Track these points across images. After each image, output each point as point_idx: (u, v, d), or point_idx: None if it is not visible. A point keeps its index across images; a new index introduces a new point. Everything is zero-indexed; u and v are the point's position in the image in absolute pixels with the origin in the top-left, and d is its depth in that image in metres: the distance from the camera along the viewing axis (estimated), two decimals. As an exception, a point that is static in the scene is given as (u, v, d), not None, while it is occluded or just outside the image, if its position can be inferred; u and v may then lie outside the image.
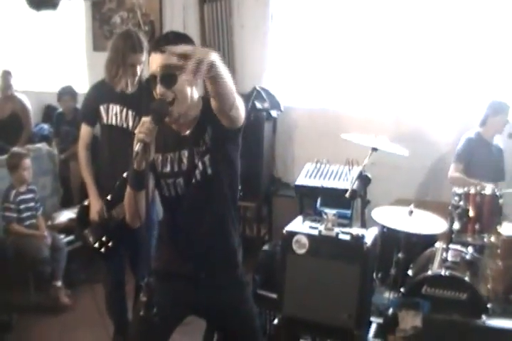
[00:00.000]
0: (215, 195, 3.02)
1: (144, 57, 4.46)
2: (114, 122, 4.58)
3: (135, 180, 2.77)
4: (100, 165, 4.81)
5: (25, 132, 8.34)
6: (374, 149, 4.99)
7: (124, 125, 4.53)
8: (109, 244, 4.38)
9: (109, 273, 4.89)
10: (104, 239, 4.37)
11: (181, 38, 2.86)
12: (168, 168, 2.98)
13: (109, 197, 4.41)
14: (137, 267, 4.78)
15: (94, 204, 4.62)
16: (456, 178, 5.78)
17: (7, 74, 8.49)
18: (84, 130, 4.75)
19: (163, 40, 2.81)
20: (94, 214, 4.57)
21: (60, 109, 8.27)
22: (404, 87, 6.79)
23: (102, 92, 4.62)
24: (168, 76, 2.75)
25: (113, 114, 4.57)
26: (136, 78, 4.51)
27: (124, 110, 4.52)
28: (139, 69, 4.47)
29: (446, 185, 5.87)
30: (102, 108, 4.60)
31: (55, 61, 9.47)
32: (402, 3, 6.57)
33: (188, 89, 2.83)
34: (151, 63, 2.80)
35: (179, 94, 2.78)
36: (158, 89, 2.76)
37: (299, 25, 7.26)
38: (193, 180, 2.96)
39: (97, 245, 4.38)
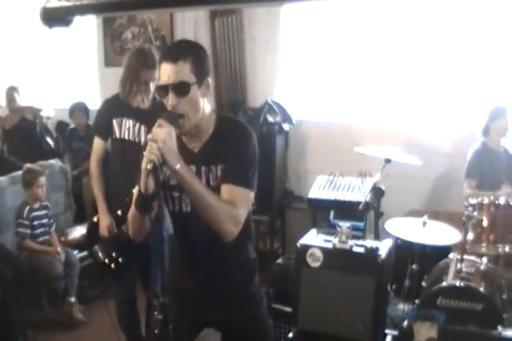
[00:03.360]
0: None
1: (156, 73, 4.45)
2: (126, 136, 4.59)
3: (141, 203, 2.69)
4: (111, 179, 4.81)
5: None
6: (387, 161, 4.99)
7: (137, 140, 4.54)
8: (119, 260, 4.36)
9: (120, 289, 4.88)
10: (114, 255, 4.36)
11: (192, 47, 2.83)
12: (175, 181, 2.85)
13: (119, 212, 4.43)
14: (148, 284, 4.76)
15: (104, 219, 4.61)
16: (469, 195, 5.77)
17: (12, 89, 8.54)
18: (97, 143, 4.76)
19: (173, 50, 2.79)
20: (103, 229, 4.57)
21: (72, 125, 8.30)
22: (416, 99, 6.78)
23: (116, 106, 4.65)
24: (181, 85, 2.71)
25: (126, 128, 4.58)
26: (151, 94, 4.53)
27: (137, 125, 4.53)
28: (152, 85, 4.47)
29: (459, 196, 5.84)
30: (115, 122, 4.61)
31: (67, 77, 9.50)
32: (411, 15, 6.56)
33: (200, 100, 2.79)
34: (162, 73, 2.75)
35: (191, 105, 2.74)
36: (170, 100, 2.71)
37: (310, 39, 7.26)
38: None
39: (107, 261, 4.37)
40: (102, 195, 4.70)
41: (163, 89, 2.74)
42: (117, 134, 4.63)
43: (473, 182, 5.81)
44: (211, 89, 2.89)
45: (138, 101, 4.56)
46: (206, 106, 2.87)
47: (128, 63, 4.55)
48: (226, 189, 2.79)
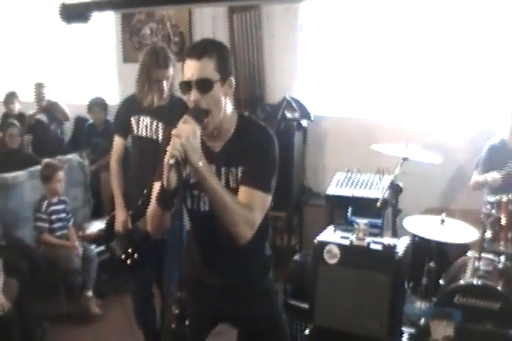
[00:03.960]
0: None
1: (170, 72, 4.53)
2: (144, 134, 4.62)
3: (162, 198, 2.69)
4: (129, 176, 4.86)
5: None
6: (405, 158, 4.97)
7: (154, 137, 4.56)
8: (135, 256, 4.43)
9: (136, 285, 4.91)
10: (130, 250, 4.43)
11: (217, 46, 2.84)
12: (195, 179, 2.85)
13: (135, 208, 4.49)
14: (162, 281, 4.77)
15: (120, 215, 4.66)
16: (474, 183, 5.78)
17: (39, 86, 8.66)
18: (117, 142, 4.82)
19: (198, 47, 2.79)
20: (118, 225, 4.62)
21: (91, 121, 8.34)
22: (434, 96, 6.75)
23: (134, 104, 4.67)
24: (204, 81, 2.72)
25: (143, 125, 4.61)
26: (165, 93, 4.55)
27: (155, 122, 4.55)
28: (165, 84, 4.51)
29: (477, 193, 5.82)
30: (133, 119, 4.65)
31: (86, 73, 9.55)
32: (431, 12, 6.53)
33: (223, 99, 2.80)
34: (186, 69, 2.76)
35: (214, 103, 2.76)
36: (193, 95, 2.72)
37: (329, 35, 7.26)
38: None
39: (123, 257, 4.44)
40: (119, 191, 4.74)
41: (186, 86, 2.76)
42: (135, 132, 4.67)
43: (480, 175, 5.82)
44: (230, 85, 2.89)
45: (149, 99, 4.57)
46: (228, 106, 2.88)
47: (141, 63, 4.59)
48: (244, 191, 2.81)
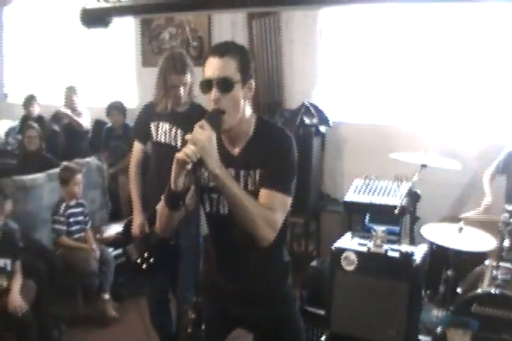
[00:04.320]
0: None
1: (187, 78, 4.54)
2: (163, 140, 4.65)
3: (169, 199, 2.73)
4: (148, 181, 4.89)
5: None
6: (423, 165, 4.96)
7: (173, 143, 4.57)
8: (151, 260, 4.46)
9: (152, 289, 4.92)
10: (146, 255, 4.46)
11: (239, 47, 2.83)
12: (214, 183, 2.80)
13: (152, 213, 4.45)
14: (177, 287, 4.83)
15: (137, 218, 4.71)
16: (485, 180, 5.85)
17: (70, 90, 8.78)
18: (136, 147, 4.86)
19: (222, 46, 2.79)
20: (135, 228, 4.67)
21: (109, 124, 8.37)
22: (453, 104, 6.73)
23: (154, 110, 4.69)
24: (225, 80, 2.71)
25: (162, 131, 4.64)
26: (181, 99, 4.57)
27: (174, 129, 4.57)
28: (182, 90, 4.53)
29: (496, 202, 5.79)
30: (152, 125, 4.68)
31: (105, 77, 9.60)
32: (451, 20, 6.50)
33: (242, 100, 2.79)
34: (207, 67, 2.75)
35: (233, 103, 2.74)
36: (213, 94, 2.71)
37: (348, 41, 7.25)
38: None
39: (139, 261, 4.47)
40: (137, 195, 4.80)
41: (206, 84, 2.74)
42: (154, 138, 4.71)
43: (494, 172, 5.82)
44: (249, 90, 2.89)
45: (163, 105, 4.60)
46: (247, 108, 2.87)
47: (159, 67, 4.61)
48: (264, 194, 2.79)
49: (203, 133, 2.55)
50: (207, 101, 2.79)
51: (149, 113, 4.75)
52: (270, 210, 2.75)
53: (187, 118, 4.42)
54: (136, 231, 4.65)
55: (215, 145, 2.58)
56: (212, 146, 2.56)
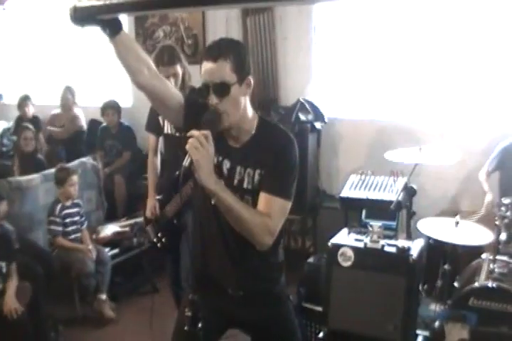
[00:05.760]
0: (253, 207, 2.85)
1: (176, 69, 4.74)
2: (169, 131, 4.85)
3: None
4: (161, 170, 5.15)
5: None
6: (417, 164, 4.97)
7: (177, 134, 4.69)
8: (163, 240, 4.75)
9: (170, 268, 5.12)
10: (159, 235, 4.76)
11: (233, 45, 2.82)
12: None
13: (159, 197, 4.85)
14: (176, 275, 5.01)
15: (150, 201, 4.94)
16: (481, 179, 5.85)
17: (67, 90, 8.85)
18: (151, 138, 5.13)
19: (214, 48, 2.76)
20: (148, 210, 4.90)
21: (104, 123, 8.36)
22: (449, 98, 6.72)
23: None
24: (221, 85, 2.71)
25: (167, 123, 4.83)
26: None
27: None
28: (173, 81, 4.66)
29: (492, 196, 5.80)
30: (160, 118, 4.86)
31: (100, 76, 9.59)
32: (450, 13, 6.49)
33: (241, 99, 2.80)
34: (203, 71, 2.75)
35: (232, 104, 2.74)
36: (211, 100, 2.72)
37: (342, 37, 7.24)
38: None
39: (155, 240, 4.79)
40: (152, 181, 5.08)
41: (205, 88, 2.75)
42: (164, 129, 4.90)
43: (488, 172, 5.83)
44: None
45: None
46: (248, 106, 2.88)
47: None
48: (264, 198, 2.79)
49: (200, 151, 2.53)
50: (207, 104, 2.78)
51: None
52: (268, 217, 2.74)
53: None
54: (148, 213, 4.90)
55: (211, 161, 2.59)
56: (208, 164, 2.56)
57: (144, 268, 6.48)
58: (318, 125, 7.04)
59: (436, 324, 4.40)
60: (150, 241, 4.89)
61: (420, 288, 4.87)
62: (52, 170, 6.21)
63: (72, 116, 8.85)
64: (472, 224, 4.81)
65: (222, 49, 2.74)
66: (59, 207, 5.89)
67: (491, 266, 4.50)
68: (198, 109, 2.76)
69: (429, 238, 4.88)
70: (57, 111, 9.10)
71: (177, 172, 4.11)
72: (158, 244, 4.77)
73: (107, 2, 2.50)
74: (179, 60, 4.75)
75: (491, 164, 5.84)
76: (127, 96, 8.84)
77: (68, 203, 5.98)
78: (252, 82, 2.85)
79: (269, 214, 2.75)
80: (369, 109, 7.22)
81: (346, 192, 5.22)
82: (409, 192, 4.95)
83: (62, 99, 8.94)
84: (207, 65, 2.73)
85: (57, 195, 6.03)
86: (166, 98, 2.86)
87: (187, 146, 2.53)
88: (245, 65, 2.80)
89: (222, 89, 2.71)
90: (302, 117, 6.91)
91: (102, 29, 2.65)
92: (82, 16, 2.63)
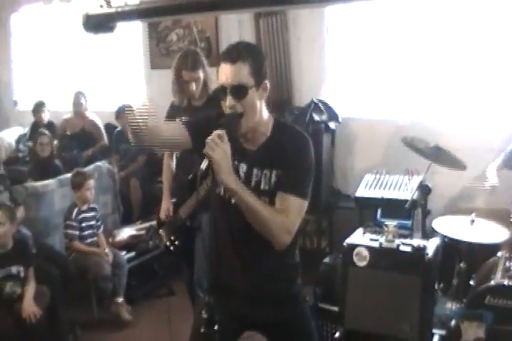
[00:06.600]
0: None
1: (198, 74, 4.80)
2: None
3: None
4: (175, 172, 5.18)
5: (99, 144, 8.93)
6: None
7: None
8: (176, 243, 4.77)
9: (185, 271, 5.19)
10: (172, 238, 4.78)
11: (251, 49, 2.86)
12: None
13: (174, 200, 4.89)
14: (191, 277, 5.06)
15: (164, 204, 5.00)
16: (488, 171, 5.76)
17: (78, 95, 8.89)
18: None
19: (233, 51, 2.79)
20: (162, 212, 4.96)
21: (119, 127, 8.38)
22: (463, 95, 6.71)
23: (176, 107, 4.99)
24: (239, 88, 2.74)
25: None
26: (195, 94, 4.85)
27: None
28: (194, 85, 4.77)
29: (507, 193, 5.78)
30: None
31: (114, 80, 9.61)
32: (461, 14, 6.48)
33: (258, 103, 2.82)
34: (220, 73, 2.78)
35: (249, 107, 2.77)
36: (228, 101, 2.74)
37: (355, 37, 7.24)
38: None
39: (168, 243, 4.80)
40: (167, 183, 5.14)
41: (222, 90, 2.78)
42: None
43: (499, 167, 5.75)
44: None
45: (179, 99, 4.94)
46: (264, 110, 2.90)
47: (174, 64, 4.89)
48: (281, 197, 2.82)
49: (217, 151, 2.57)
50: (223, 105, 2.82)
51: (174, 109, 5.01)
52: (286, 215, 2.77)
53: (203, 112, 4.60)
54: (162, 215, 4.96)
55: (229, 160, 2.62)
56: (227, 163, 2.60)
57: (159, 271, 6.50)
58: (332, 125, 7.05)
59: (453, 323, 4.37)
60: (163, 245, 4.89)
61: (436, 286, 4.86)
62: (68, 175, 6.24)
63: (85, 119, 8.97)
64: (487, 222, 4.81)
65: (240, 52, 2.77)
66: (75, 211, 5.92)
67: (507, 263, 4.47)
68: (206, 124, 2.81)
69: (444, 236, 4.88)
70: (68, 115, 9.14)
71: (190, 176, 4.15)
72: (171, 247, 4.80)
73: (119, 9, 2.52)
74: (202, 66, 4.84)
75: (503, 160, 5.79)
76: (141, 100, 8.85)
77: (85, 207, 6.00)
78: (268, 86, 2.87)
79: (286, 213, 2.78)
80: (383, 108, 7.21)
81: (361, 192, 5.24)
82: (424, 190, 4.97)
83: (75, 105, 8.97)
84: (225, 67, 2.76)
85: (73, 200, 6.06)
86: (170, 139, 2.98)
87: (204, 149, 2.57)
88: (262, 69, 2.84)
89: (240, 91, 2.74)
90: (316, 117, 6.92)
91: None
92: (94, 24, 2.66)
